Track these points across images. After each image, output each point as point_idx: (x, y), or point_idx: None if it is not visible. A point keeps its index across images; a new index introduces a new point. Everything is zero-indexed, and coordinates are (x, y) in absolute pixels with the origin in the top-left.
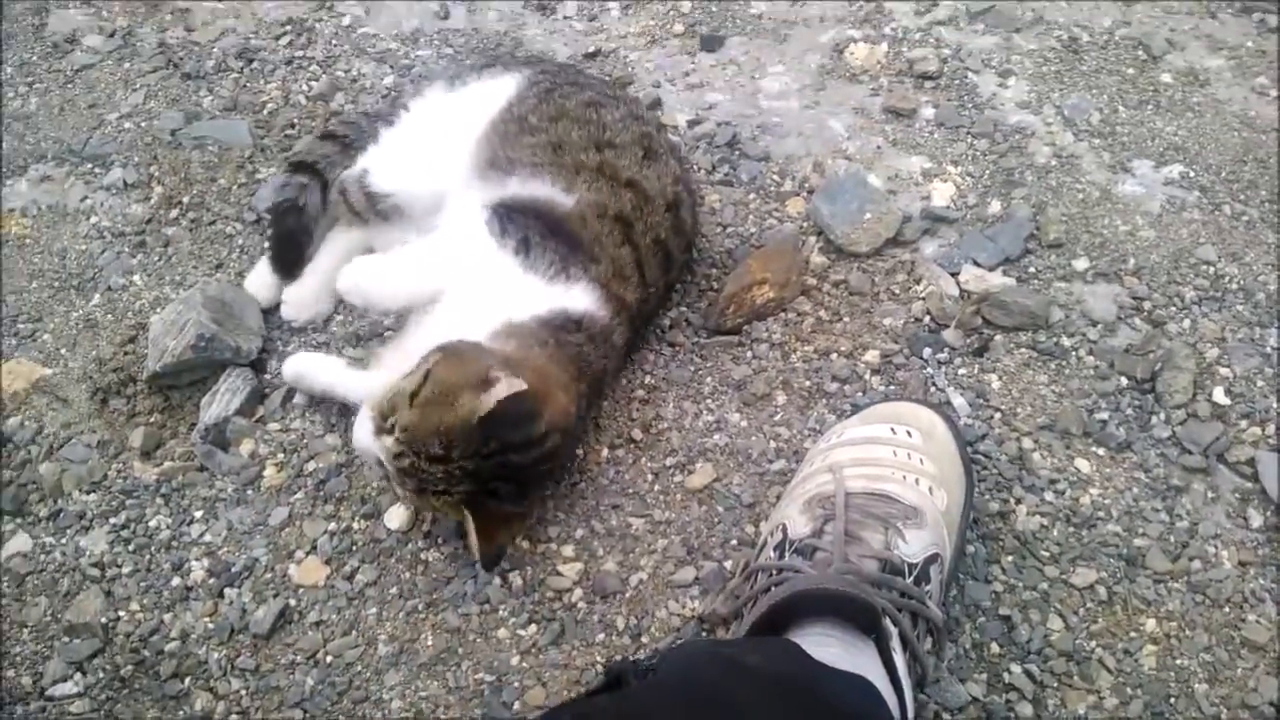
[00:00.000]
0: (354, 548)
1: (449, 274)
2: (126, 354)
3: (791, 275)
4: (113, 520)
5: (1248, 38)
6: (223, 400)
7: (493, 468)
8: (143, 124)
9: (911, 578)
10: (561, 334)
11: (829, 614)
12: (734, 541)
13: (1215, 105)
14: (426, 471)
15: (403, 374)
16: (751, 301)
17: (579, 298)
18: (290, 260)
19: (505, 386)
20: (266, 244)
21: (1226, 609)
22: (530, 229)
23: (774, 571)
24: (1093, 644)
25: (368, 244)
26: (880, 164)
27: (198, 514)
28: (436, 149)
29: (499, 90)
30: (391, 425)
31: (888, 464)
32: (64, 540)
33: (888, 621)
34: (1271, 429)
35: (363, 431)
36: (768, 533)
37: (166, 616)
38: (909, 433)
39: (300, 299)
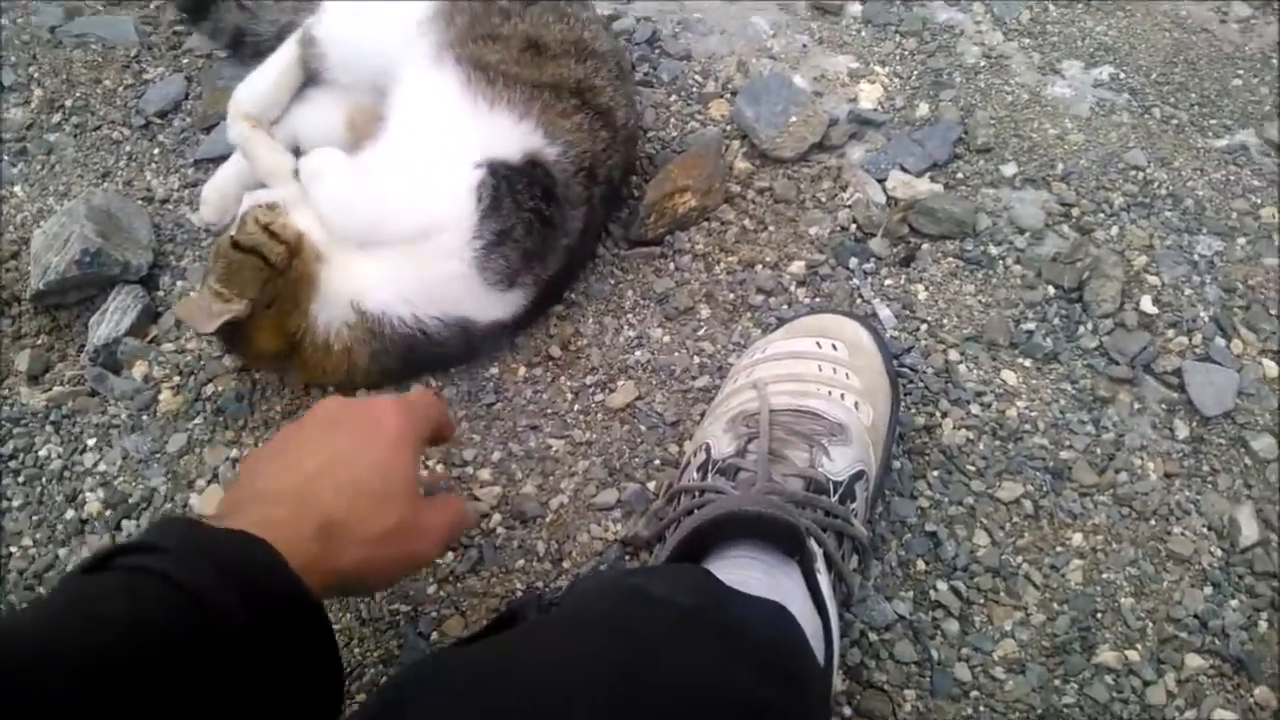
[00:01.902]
0: None
1: (402, 233)
2: (9, 271)
3: (714, 182)
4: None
5: None
6: (112, 320)
7: None
8: (19, 20)
9: (836, 496)
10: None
11: (753, 537)
12: (657, 462)
13: (1146, 4)
14: None
15: None
16: (673, 210)
17: (512, 302)
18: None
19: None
20: None
21: (1152, 522)
22: (519, 219)
23: (697, 493)
24: (1019, 559)
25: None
26: (806, 64)
27: (90, 442)
28: (383, 7)
29: None
30: None
31: (812, 379)
32: None
33: (812, 542)
34: (1199, 339)
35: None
36: (691, 453)
37: (62, 551)
38: (834, 346)
39: (222, 192)
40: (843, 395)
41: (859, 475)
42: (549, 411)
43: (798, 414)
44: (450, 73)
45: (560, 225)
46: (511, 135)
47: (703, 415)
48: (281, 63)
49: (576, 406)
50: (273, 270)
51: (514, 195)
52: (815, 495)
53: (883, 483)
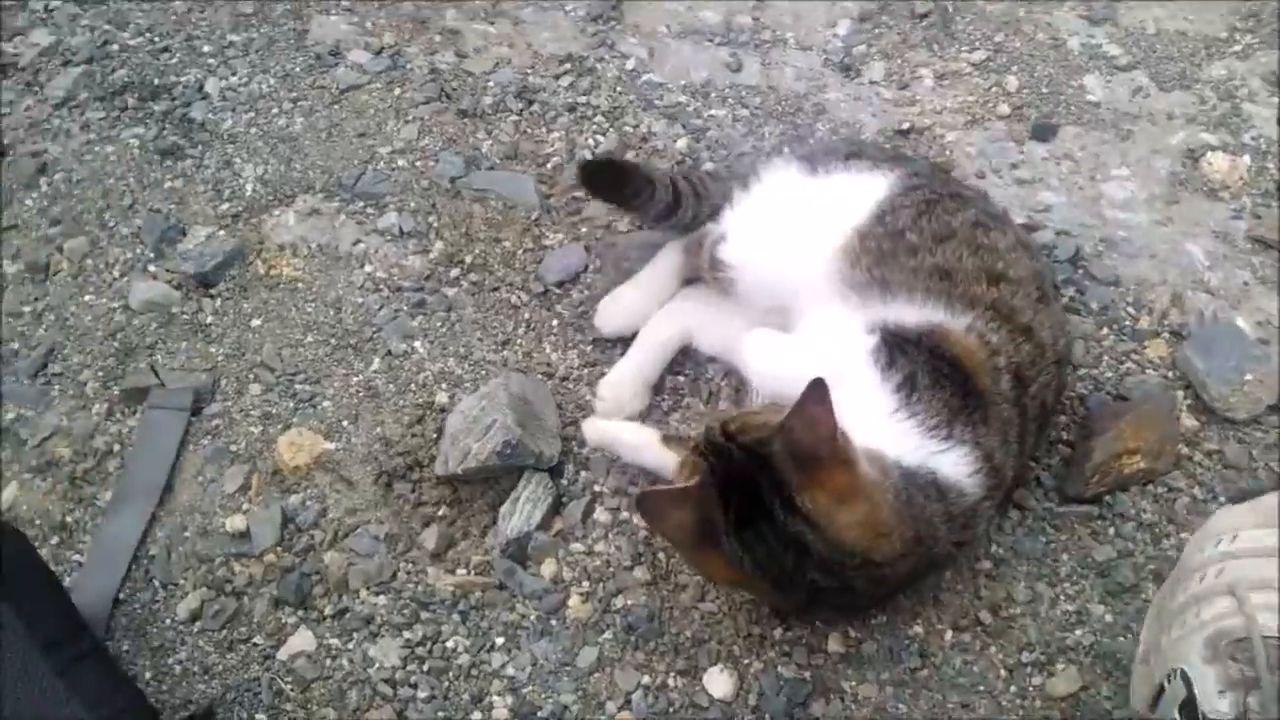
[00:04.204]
0: (671, 711)
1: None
2: (414, 436)
3: (1166, 445)
4: (406, 634)
5: None
6: (523, 511)
7: (751, 487)
8: (418, 164)
9: None
10: (917, 494)
11: None
12: None
13: None
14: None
15: None
16: (1119, 471)
17: (955, 463)
18: (603, 181)
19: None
20: None
21: None
22: (920, 367)
23: None
24: None
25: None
26: (1248, 304)
27: (499, 640)
28: (792, 243)
29: (867, 191)
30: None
31: None
32: (351, 645)
33: None
34: None
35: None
36: (1161, 676)
37: None
38: None
39: (615, 310)
40: None
41: None
42: (980, 689)
43: None
44: (853, 295)
45: (978, 396)
46: (906, 311)
47: (1146, 603)
48: (655, 281)
49: (1012, 688)
50: None
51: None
52: None
53: None
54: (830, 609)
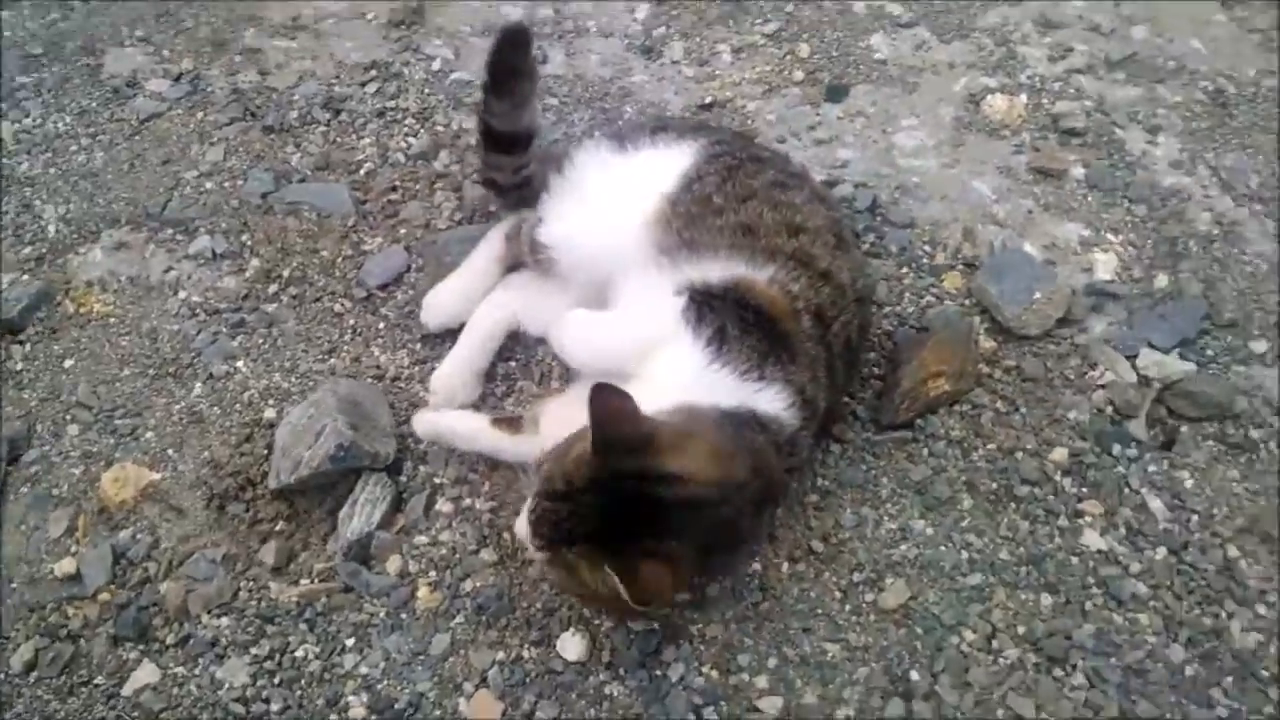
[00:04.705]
0: (528, 680)
1: (636, 358)
2: (243, 455)
3: (967, 366)
4: (253, 651)
5: None
6: (363, 513)
7: (620, 500)
8: (226, 185)
9: None
10: (743, 429)
11: None
12: (941, 666)
13: None
14: (552, 513)
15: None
16: (926, 394)
17: (770, 399)
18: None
19: (607, 398)
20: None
21: None
22: (728, 319)
23: None
24: None
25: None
26: (1034, 230)
27: (349, 642)
28: (606, 217)
29: (674, 161)
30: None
31: None
32: (197, 671)
33: None
34: None
35: (521, 519)
36: None
37: None
38: None
39: (439, 305)
40: None
41: None
42: (819, 611)
43: None
44: (664, 259)
45: (784, 338)
46: (712, 268)
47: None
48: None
49: (847, 606)
50: None
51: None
52: None
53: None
54: (724, 553)
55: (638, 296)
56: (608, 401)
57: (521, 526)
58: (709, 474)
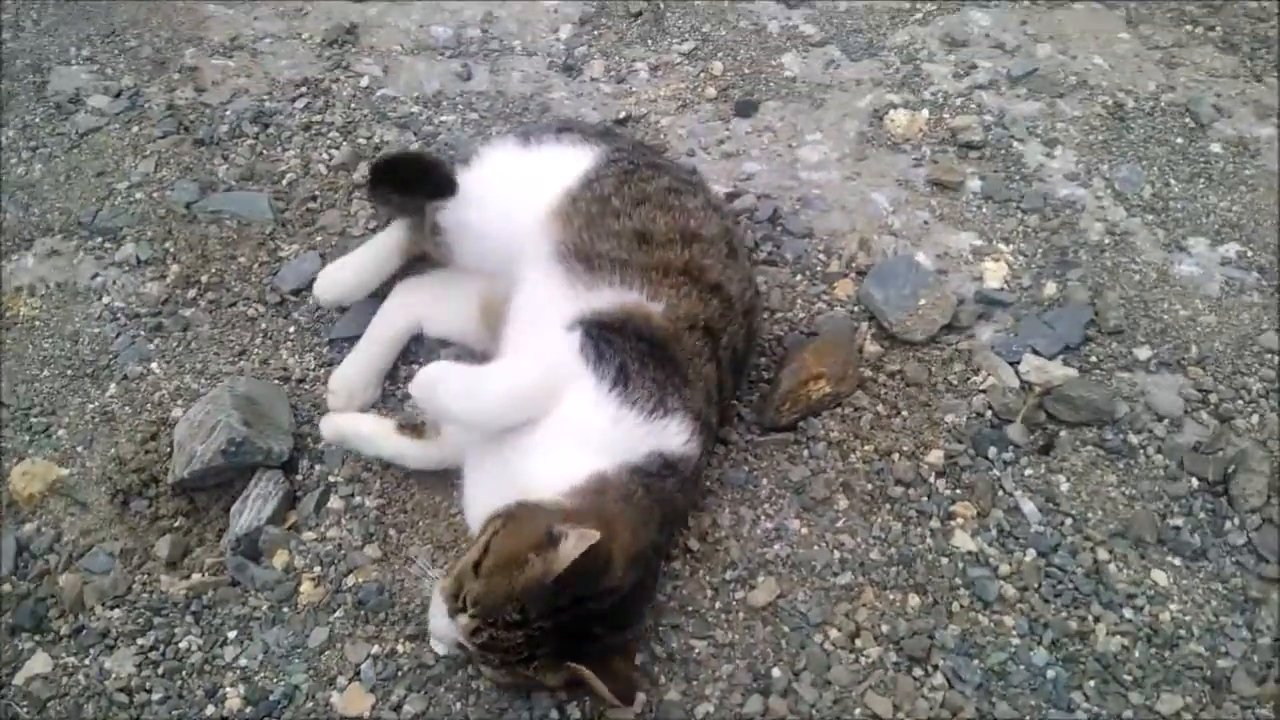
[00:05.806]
0: (400, 674)
1: (535, 408)
2: (148, 453)
3: (848, 369)
4: (140, 640)
5: None
6: (254, 508)
7: (574, 620)
8: (155, 195)
9: None
10: (653, 480)
11: None
12: (803, 664)
13: (1268, 178)
14: (506, 640)
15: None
16: (807, 397)
17: (675, 433)
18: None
19: (575, 541)
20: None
21: None
22: (628, 354)
23: None
24: None
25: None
26: (928, 240)
27: (231, 634)
28: (506, 204)
29: (575, 161)
30: (463, 602)
31: None
32: (87, 661)
33: None
34: None
35: (438, 618)
36: None
37: None
38: None
39: (335, 281)
40: None
41: None
42: (689, 609)
43: None
44: (560, 269)
45: (676, 364)
46: (605, 295)
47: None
48: (379, 253)
49: (717, 604)
50: None
51: (610, 341)
52: None
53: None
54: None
55: (528, 334)
56: (597, 553)
57: (441, 627)
58: (634, 572)
